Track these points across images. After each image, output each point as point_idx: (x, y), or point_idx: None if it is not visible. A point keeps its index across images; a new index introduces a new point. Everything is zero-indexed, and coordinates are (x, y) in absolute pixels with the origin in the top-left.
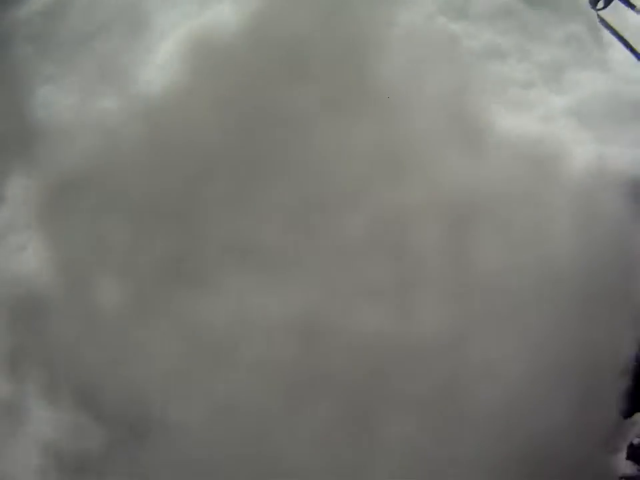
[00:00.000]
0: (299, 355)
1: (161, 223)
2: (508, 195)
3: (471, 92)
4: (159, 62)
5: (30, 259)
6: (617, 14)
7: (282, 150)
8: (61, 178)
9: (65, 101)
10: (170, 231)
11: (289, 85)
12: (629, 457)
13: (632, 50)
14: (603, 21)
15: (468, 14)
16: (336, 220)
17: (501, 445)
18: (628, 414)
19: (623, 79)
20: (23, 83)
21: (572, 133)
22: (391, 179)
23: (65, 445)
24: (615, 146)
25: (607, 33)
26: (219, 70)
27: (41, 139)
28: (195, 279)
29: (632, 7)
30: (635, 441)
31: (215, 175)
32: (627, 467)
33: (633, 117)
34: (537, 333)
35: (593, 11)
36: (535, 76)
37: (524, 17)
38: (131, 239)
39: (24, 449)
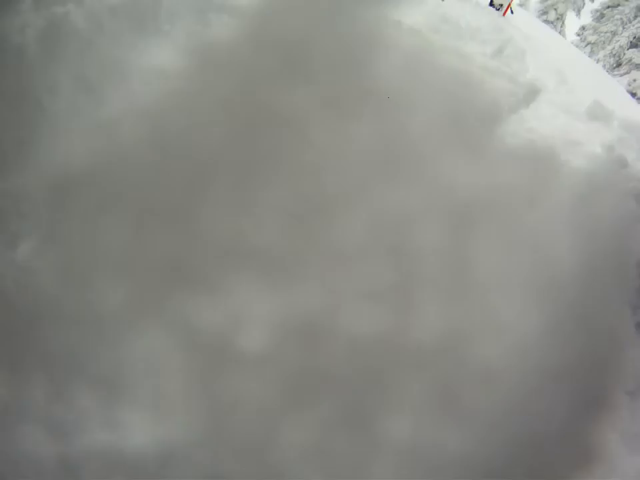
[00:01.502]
0: (299, 356)
1: (161, 223)
2: (508, 195)
3: (472, 92)
4: (159, 62)
5: (29, 258)
6: None
7: (281, 151)
8: (61, 178)
9: (64, 100)
10: (170, 232)
11: (289, 85)
12: None
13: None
14: None
15: None
16: (336, 220)
17: (501, 445)
18: None
19: None
20: (22, 83)
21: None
22: (391, 179)
23: None
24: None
25: None
26: (218, 70)
27: (40, 138)
28: (195, 279)
29: None
30: None
31: (215, 176)
32: None
33: None
34: (536, 335)
35: None
36: None
37: None
38: (131, 240)
39: None
